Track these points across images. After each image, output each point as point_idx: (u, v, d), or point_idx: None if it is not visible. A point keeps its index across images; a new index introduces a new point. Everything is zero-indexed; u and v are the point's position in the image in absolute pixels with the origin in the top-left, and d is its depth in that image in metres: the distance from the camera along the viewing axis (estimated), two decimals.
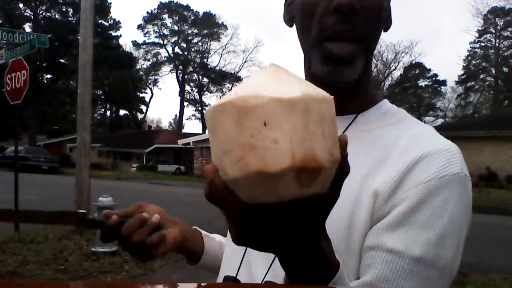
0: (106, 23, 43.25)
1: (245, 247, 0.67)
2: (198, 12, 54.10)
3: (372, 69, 0.77)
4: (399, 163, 0.62)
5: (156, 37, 53.64)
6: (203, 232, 0.93)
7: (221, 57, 54.31)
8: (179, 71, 54.06)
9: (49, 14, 41.32)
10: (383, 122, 0.70)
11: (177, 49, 54.12)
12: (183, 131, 50.66)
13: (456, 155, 0.63)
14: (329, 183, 0.42)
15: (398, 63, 47.76)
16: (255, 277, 0.69)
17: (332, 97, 0.43)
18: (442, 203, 0.59)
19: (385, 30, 0.74)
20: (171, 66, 54.43)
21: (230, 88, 53.72)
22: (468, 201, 0.63)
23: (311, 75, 0.69)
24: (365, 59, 0.68)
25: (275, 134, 0.39)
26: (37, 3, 39.55)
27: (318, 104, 0.41)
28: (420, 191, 0.60)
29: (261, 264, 0.68)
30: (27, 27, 38.12)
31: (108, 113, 54.67)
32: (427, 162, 0.61)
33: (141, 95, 53.07)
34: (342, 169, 0.42)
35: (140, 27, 53.48)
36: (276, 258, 0.47)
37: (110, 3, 43.02)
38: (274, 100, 0.40)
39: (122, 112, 54.86)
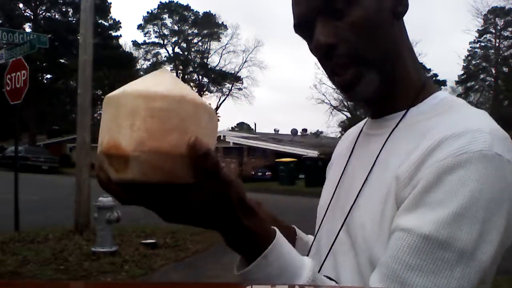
0: (106, 23, 43.23)
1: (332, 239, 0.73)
2: (198, 12, 54.11)
3: (413, 59, 0.73)
4: (422, 147, 0.61)
5: (156, 37, 53.67)
6: (300, 232, 0.92)
7: (221, 57, 54.31)
8: (179, 71, 54.05)
9: (49, 14, 41.30)
10: (430, 114, 0.67)
11: (177, 49, 54.13)
12: None
13: (485, 135, 0.57)
14: (155, 170, 0.48)
15: None
16: (339, 268, 0.70)
17: (182, 97, 0.49)
18: (458, 182, 0.55)
19: (398, 18, 0.70)
20: (171, 66, 54.39)
21: (230, 88, 53.80)
22: (504, 185, 0.56)
23: None
24: (376, 69, 0.67)
25: (101, 124, 0.51)
26: (37, 3, 39.53)
27: (131, 101, 0.48)
28: (435, 170, 0.57)
29: (348, 258, 0.69)
30: (27, 27, 38.13)
31: None
32: (448, 143, 0.58)
33: None
34: (203, 162, 0.49)
35: (140, 27, 53.48)
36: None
37: (110, 3, 43.01)
38: (105, 97, 0.51)
39: None
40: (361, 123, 0.84)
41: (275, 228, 0.59)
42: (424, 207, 0.57)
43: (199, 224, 0.54)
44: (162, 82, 0.50)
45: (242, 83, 53.51)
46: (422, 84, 0.71)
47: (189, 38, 53.83)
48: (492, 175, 0.55)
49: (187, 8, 53.35)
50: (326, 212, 0.79)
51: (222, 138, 28.75)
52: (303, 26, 0.70)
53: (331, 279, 0.66)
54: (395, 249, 0.57)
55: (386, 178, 0.64)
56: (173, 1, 52.91)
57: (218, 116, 0.55)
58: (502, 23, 44.15)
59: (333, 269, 0.71)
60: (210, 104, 0.53)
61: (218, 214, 0.53)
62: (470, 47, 47.36)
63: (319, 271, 0.71)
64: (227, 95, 53.78)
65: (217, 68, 53.87)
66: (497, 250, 0.56)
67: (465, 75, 47.25)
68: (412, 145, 0.63)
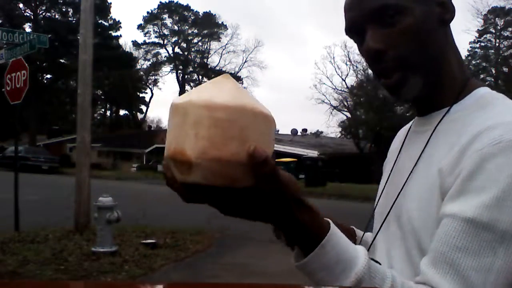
0: (106, 23, 43.26)
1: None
2: (198, 12, 54.15)
3: (457, 58, 0.77)
4: (462, 140, 0.65)
5: (156, 37, 53.69)
6: (359, 232, 0.96)
7: (221, 57, 54.34)
8: (179, 71, 54.07)
9: (49, 14, 41.33)
10: (471, 109, 0.71)
11: (177, 49, 54.14)
12: None
13: None
14: (216, 176, 0.52)
15: None
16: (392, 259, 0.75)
17: (240, 108, 0.52)
18: (496, 169, 0.59)
19: (446, 24, 0.74)
20: (171, 66, 54.43)
21: None
22: None
23: None
24: (421, 74, 0.71)
25: (168, 129, 0.55)
26: (37, 3, 39.54)
27: (195, 110, 0.52)
28: (474, 159, 0.61)
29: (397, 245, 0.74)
30: (27, 27, 38.15)
31: (108, 113, 54.69)
32: (485, 135, 0.62)
33: (141, 95, 53.08)
34: (262, 168, 0.52)
35: (140, 27, 53.48)
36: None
37: (110, 3, 43.04)
38: (172, 104, 0.55)
39: (122, 112, 54.88)
40: (411, 122, 0.89)
41: (329, 220, 0.63)
42: (466, 194, 0.61)
43: (256, 219, 0.59)
44: (224, 91, 0.53)
45: (242, 83, 53.50)
46: (465, 82, 0.75)
47: (189, 38, 53.84)
48: None
49: (187, 8, 53.36)
50: (376, 205, 0.85)
51: None
52: (354, 31, 0.75)
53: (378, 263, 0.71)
54: (443, 234, 0.61)
55: (431, 171, 0.68)
56: (173, 1, 52.92)
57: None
58: (502, 23, 44.15)
59: (386, 257, 0.76)
60: (267, 109, 0.56)
61: (275, 212, 0.58)
62: (470, 47, 47.36)
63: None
64: None
65: (217, 68, 53.87)
66: None
67: None
68: (453, 139, 0.68)
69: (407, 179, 0.74)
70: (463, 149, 0.64)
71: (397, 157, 0.84)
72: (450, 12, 0.74)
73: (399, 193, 0.74)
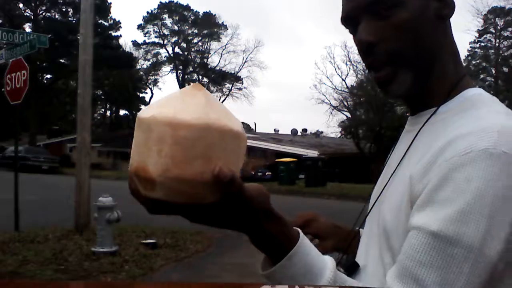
0: (106, 23, 43.22)
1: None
2: (198, 12, 54.12)
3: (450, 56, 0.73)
4: (436, 146, 0.63)
5: (156, 37, 53.65)
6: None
7: (221, 57, 54.32)
8: (179, 71, 54.07)
9: (49, 14, 41.30)
10: (455, 111, 0.69)
11: (177, 49, 54.13)
12: None
13: (492, 133, 0.59)
14: (179, 194, 0.52)
15: None
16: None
17: (208, 126, 0.51)
18: (464, 180, 0.57)
19: (444, 20, 0.71)
20: (171, 66, 54.42)
21: (230, 88, 53.82)
22: (510, 182, 0.56)
23: None
24: (412, 70, 0.70)
25: (133, 143, 0.54)
26: (37, 3, 39.52)
27: (159, 127, 0.51)
28: (442, 169, 0.59)
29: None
30: (27, 27, 38.13)
31: (108, 113, 54.68)
32: (456, 143, 0.60)
33: (141, 95, 53.07)
34: (228, 188, 0.53)
35: (140, 27, 53.47)
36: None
37: (110, 3, 43.00)
38: (137, 117, 0.54)
39: (122, 112, 54.87)
40: None
41: (299, 231, 0.64)
42: (433, 205, 0.59)
43: (225, 228, 0.60)
44: (191, 106, 0.52)
45: (242, 83, 53.54)
46: (457, 81, 0.72)
47: (189, 38, 53.83)
48: (497, 173, 0.56)
49: (187, 8, 53.35)
50: (368, 204, 0.84)
51: None
52: (349, 21, 0.74)
53: (357, 265, 0.73)
54: (408, 247, 0.60)
55: (405, 176, 0.67)
56: (173, 1, 52.91)
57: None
58: (502, 23, 44.14)
59: (364, 256, 0.76)
60: (238, 125, 0.55)
61: (243, 223, 0.59)
62: (470, 47, 47.36)
63: (354, 257, 0.77)
64: (227, 95, 53.80)
65: (217, 68, 53.90)
66: (506, 246, 0.56)
67: None
68: (429, 144, 0.66)
69: (388, 179, 0.73)
70: (434, 157, 0.62)
71: (388, 157, 0.83)
72: (449, 7, 0.71)
73: (381, 192, 0.74)
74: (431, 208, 0.59)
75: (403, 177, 0.67)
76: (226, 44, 53.72)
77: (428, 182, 0.61)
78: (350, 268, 0.75)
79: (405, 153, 0.72)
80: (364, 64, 0.75)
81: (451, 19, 0.73)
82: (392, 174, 0.73)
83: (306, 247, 0.62)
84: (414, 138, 0.72)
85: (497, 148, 0.57)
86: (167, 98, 0.55)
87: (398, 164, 0.72)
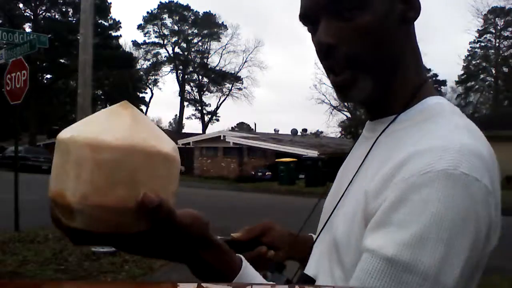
0: (106, 23, 43.24)
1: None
2: (198, 12, 54.13)
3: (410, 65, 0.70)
4: (392, 161, 0.60)
5: (156, 37, 53.67)
6: None
7: (221, 57, 54.32)
8: (179, 71, 54.06)
9: (49, 14, 41.32)
10: (413, 121, 0.65)
11: (177, 49, 54.13)
12: (183, 131, 50.66)
13: (452, 153, 0.55)
14: (102, 223, 0.48)
15: None
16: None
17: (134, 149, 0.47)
18: (421, 202, 0.54)
19: (408, 23, 0.68)
20: (171, 66, 54.43)
21: (230, 88, 53.80)
22: (470, 204, 0.54)
23: None
24: (372, 75, 0.66)
25: (52, 166, 0.49)
26: (37, 3, 39.53)
27: (78, 149, 0.46)
28: (399, 188, 0.56)
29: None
30: (27, 27, 38.14)
31: None
32: (414, 160, 0.57)
33: (141, 95, 53.02)
34: (155, 215, 0.49)
35: (140, 27, 53.48)
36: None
37: (110, 3, 43.01)
38: (57, 138, 0.49)
39: None
40: None
41: (241, 258, 0.62)
42: (388, 227, 0.55)
43: (159, 258, 0.57)
44: (115, 127, 0.47)
45: (242, 83, 53.54)
46: (418, 88, 0.69)
47: (189, 38, 53.84)
48: (457, 195, 0.54)
49: (187, 8, 53.36)
50: (322, 213, 0.81)
51: (222, 138, 28.76)
52: (307, 19, 0.69)
53: (310, 277, 0.70)
54: (361, 272, 0.57)
55: (360, 190, 0.64)
56: (173, 1, 52.92)
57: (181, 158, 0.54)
58: (502, 23, 44.17)
59: (315, 267, 0.73)
60: (169, 145, 0.51)
61: (177, 252, 0.56)
62: (470, 47, 47.39)
63: (303, 269, 0.75)
64: (227, 95, 53.82)
65: (217, 68, 53.90)
66: (465, 272, 0.54)
67: (465, 75, 47.28)
68: (387, 156, 0.63)
69: (345, 190, 0.69)
70: (390, 174, 0.58)
71: (344, 160, 0.80)
72: (414, 10, 0.67)
73: (338, 202, 0.70)
74: (386, 230, 0.55)
75: (359, 190, 0.64)
76: (226, 44, 53.77)
77: (383, 200, 0.57)
78: (305, 283, 0.72)
79: (362, 163, 0.68)
80: (322, 66, 0.70)
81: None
82: (349, 183, 0.69)
83: (248, 276, 0.60)
84: (371, 148, 0.68)
85: (457, 168, 0.54)
86: (90, 118, 0.50)
87: (355, 173, 0.69)
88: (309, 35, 0.72)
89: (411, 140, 0.61)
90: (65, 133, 0.48)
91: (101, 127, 0.47)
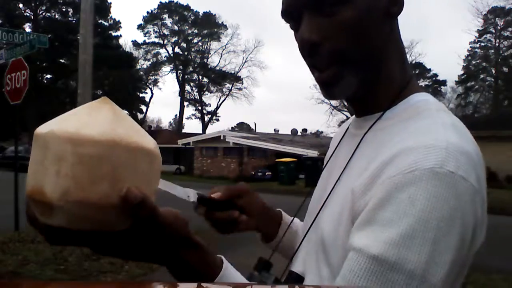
0: (106, 23, 43.26)
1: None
2: (198, 12, 54.13)
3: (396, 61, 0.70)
4: (379, 159, 0.59)
5: (156, 37, 53.66)
6: (286, 217, 0.95)
7: (221, 57, 54.33)
8: (179, 71, 54.06)
9: (49, 14, 41.33)
10: (399, 118, 0.65)
11: (177, 49, 54.13)
12: (183, 131, 50.66)
13: (438, 151, 0.55)
14: (83, 220, 0.46)
15: None
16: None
17: (114, 143, 0.45)
18: (408, 201, 0.53)
19: (392, 18, 0.67)
20: (171, 66, 54.43)
21: (230, 88, 53.81)
22: (456, 203, 0.53)
23: None
24: (357, 71, 0.66)
25: (29, 163, 0.47)
26: (37, 3, 39.54)
27: (58, 144, 0.44)
28: (385, 187, 0.55)
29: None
30: (27, 27, 38.15)
31: None
32: (400, 159, 0.56)
33: (141, 95, 53.01)
34: (138, 211, 0.48)
35: (140, 27, 53.47)
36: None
37: (110, 3, 43.03)
38: (35, 133, 0.47)
39: None
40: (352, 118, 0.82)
41: (222, 258, 0.62)
42: (374, 225, 0.55)
43: (138, 260, 0.56)
44: (96, 121, 0.46)
45: (242, 83, 53.54)
46: (405, 85, 0.69)
47: (189, 38, 53.84)
48: (443, 194, 0.53)
49: (187, 8, 53.36)
50: (308, 209, 0.81)
51: (222, 138, 28.75)
52: (289, 16, 0.68)
53: (298, 275, 0.69)
54: (347, 271, 0.56)
55: (346, 188, 0.64)
56: (173, 1, 52.91)
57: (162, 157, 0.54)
58: (502, 23, 44.19)
59: (302, 266, 0.73)
60: (150, 142, 0.50)
61: (158, 253, 0.55)
62: (470, 47, 47.40)
63: (287, 266, 0.75)
64: (227, 95, 53.81)
65: (217, 68, 53.90)
66: (451, 271, 0.53)
67: (465, 75, 47.30)
68: (372, 155, 0.62)
69: (332, 188, 0.69)
70: (377, 172, 0.58)
71: (329, 159, 0.79)
72: (398, 5, 0.67)
73: (325, 201, 0.70)
74: (372, 229, 0.55)
75: (345, 188, 0.64)
76: (226, 44, 53.78)
77: (370, 199, 0.57)
78: (295, 282, 0.72)
79: (348, 160, 0.68)
80: (306, 63, 0.69)
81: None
82: (336, 181, 0.69)
83: (230, 276, 0.59)
84: (357, 146, 0.68)
85: (443, 167, 0.54)
86: (69, 113, 0.48)
87: (342, 171, 0.68)
88: (287, 24, 0.71)
89: (397, 138, 0.61)
90: (44, 128, 0.46)
91: (82, 121, 0.46)
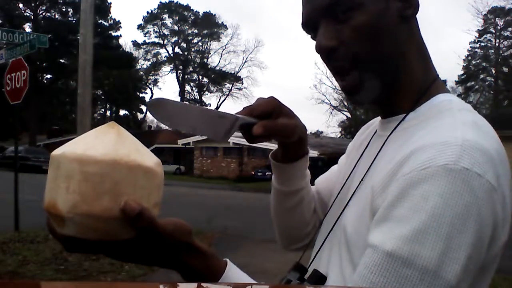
0: (106, 23, 43.27)
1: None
2: (198, 12, 54.14)
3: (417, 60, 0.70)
4: (398, 157, 0.60)
5: (156, 37, 53.68)
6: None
7: (221, 57, 54.34)
8: (179, 71, 54.07)
9: (49, 14, 41.35)
10: (422, 118, 0.66)
11: (177, 49, 54.14)
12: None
13: (453, 148, 0.55)
14: (91, 230, 0.53)
15: None
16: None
17: (112, 163, 0.52)
18: (421, 197, 0.54)
19: (407, 20, 0.68)
20: (171, 66, 54.44)
21: (230, 88, 53.80)
22: (470, 200, 0.53)
23: None
24: (377, 74, 0.67)
25: (47, 180, 0.55)
26: (37, 3, 39.54)
27: (67, 164, 0.52)
28: (400, 184, 0.56)
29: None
30: (27, 27, 38.16)
31: (108, 113, 54.67)
32: (416, 156, 0.57)
33: (141, 95, 53.04)
34: (137, 222, 0.53)
35: (140, 27, 53.48)
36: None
37: (110, 3, 43.05)
38: (51, 155, 0.55)
39: (122, 112, 54.84)
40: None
41: (227, 261, 0.64)
42: (389, 222, 0.56)
43: (145, 264, 0.61)
44: (101, 143, 0.53)
45: (242, 83, 53.55)
46: (428, 86, 0.70)
47: (189, 38, 53.85)
48: (457, 190, 0.53)
49: (187, 8, 53.36)
50: (332, 204, 0.81)
51: None
52: (308, 26, 0.72)
53: (322, 275, 0.68)
54: (363, 267, 0.57)
55: (368, 186, 0.65)
56: (173, 1, 52.92)
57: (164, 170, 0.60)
58: (502, 23, 44.20)
59: (327, 263, 0.73)
60: (152, 160, 0.56)
61: (162, 259, 0.59)
62: (470, 47, 47.40)
63: (311, 263, 0.76)
64: (227, 95, 53.82)
65: (217, 68, 53.90)
66: (467, 268, 0.53)
67: (465, 75, 47.30)
68: (393, 153, 0.64)
69: (356, 187, 0.70)
70: (395, 169, 0.59)
71: (360, 157, 0.79)
72: (412, 7, 0.68)
73: (349, 200, 0.71)
74: (387, 225, 0.56)
75: (367, 187, 0.66)
76: (226, 44, 53.79)
77: (387, 196, 0.58)
78: (317, 282, 0.70)
79: (373, 160, 0.70)
80: (330, 71, 0.72)
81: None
82: (360, 181, 0.70)
83: (233, 277, 0.62)
84: (382, 146, 0.70)
85: (457, 164, 0.54)
86: (80, 137, 0.56)
87: (367, 171, 0.70)
88: (308, 35, 0.74)
89: (415, 136, 0.62)
90: (58, 151, 0.55)
91: (89, 144, 0.53)
